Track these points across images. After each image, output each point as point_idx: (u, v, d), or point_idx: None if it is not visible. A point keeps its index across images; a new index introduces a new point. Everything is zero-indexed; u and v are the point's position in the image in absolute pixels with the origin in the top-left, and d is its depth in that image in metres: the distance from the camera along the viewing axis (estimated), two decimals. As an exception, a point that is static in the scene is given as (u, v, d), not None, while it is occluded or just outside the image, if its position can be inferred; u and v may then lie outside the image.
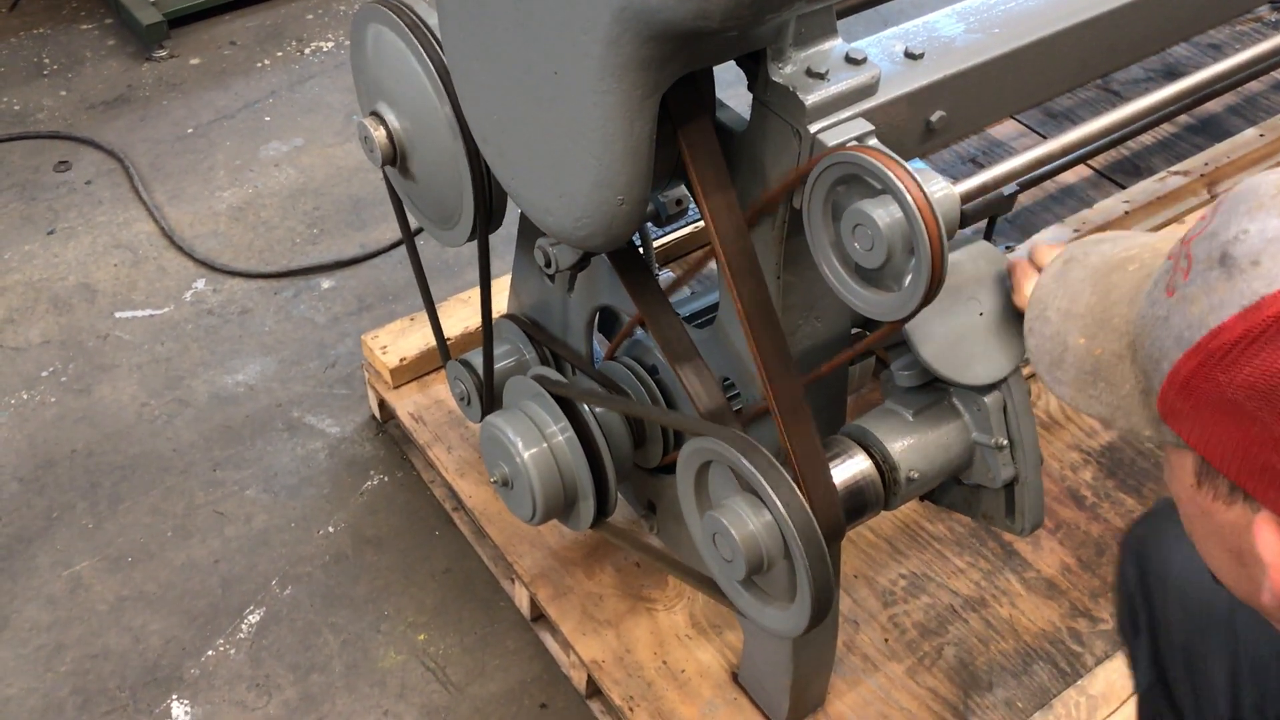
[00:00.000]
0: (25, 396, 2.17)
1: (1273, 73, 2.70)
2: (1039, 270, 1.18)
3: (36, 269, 2.42)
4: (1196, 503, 0.77)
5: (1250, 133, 2.54)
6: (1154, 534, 1.24)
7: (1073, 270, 0.94)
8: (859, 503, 1.27)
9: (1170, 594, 1.20)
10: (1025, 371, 1.98)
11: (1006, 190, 1.95)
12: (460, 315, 2.08)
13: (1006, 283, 1.23)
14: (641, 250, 1.69)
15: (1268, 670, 1.13)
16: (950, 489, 1.36)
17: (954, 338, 1.20)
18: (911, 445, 1.27)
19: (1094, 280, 0.91)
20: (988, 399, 1.25)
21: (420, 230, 2.00)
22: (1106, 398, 0.84)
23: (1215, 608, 1.15)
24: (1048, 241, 1.20)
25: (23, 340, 2.27)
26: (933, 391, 1.29)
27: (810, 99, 1.10)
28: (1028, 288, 1.18)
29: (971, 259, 1.22)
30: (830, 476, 1.23)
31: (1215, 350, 0.70)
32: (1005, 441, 1.25)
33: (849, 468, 1.27)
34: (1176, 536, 1.18)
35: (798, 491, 1.17)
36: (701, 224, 2.21)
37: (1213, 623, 1.16)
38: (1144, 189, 2.40)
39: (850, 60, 1.12)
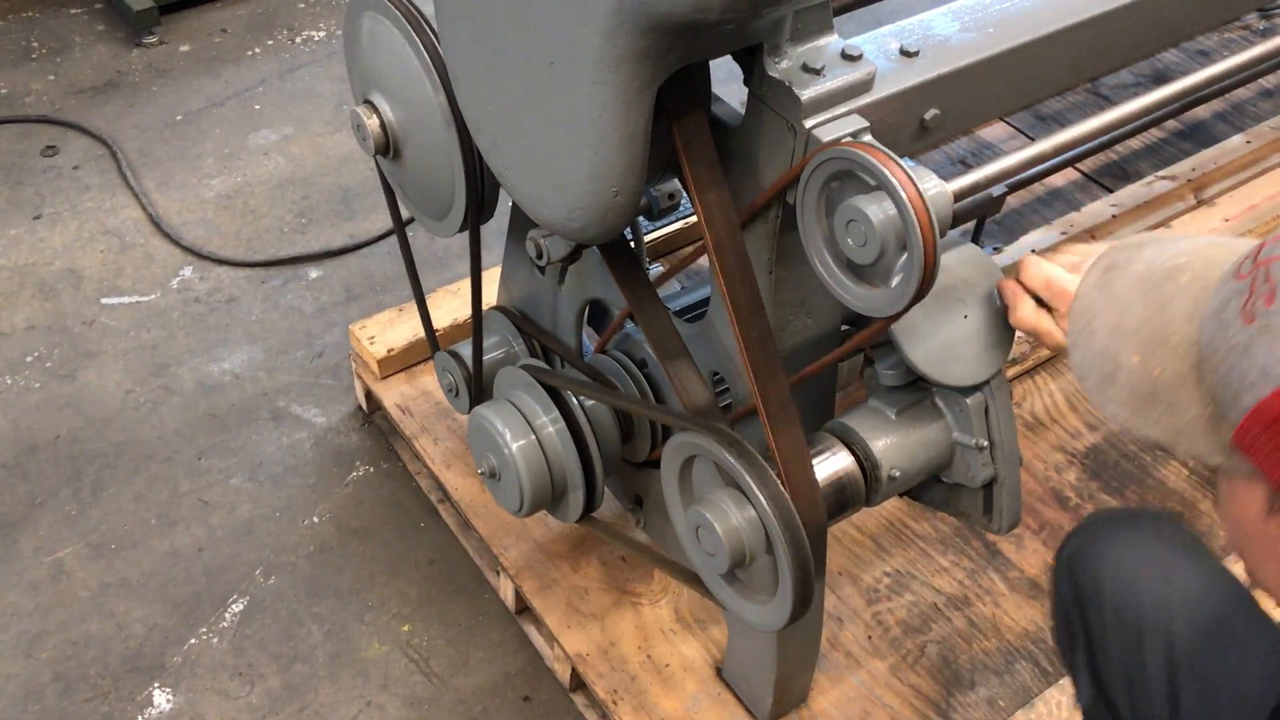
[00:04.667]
0: (9, 381, 2.16)
1: (1260, 80, 2.72)
2: (1026, 289, 1.17)
3: (22, 254, 2.41)
4: (1265, 531, 0.75)
5: (1237, 139, 2.56)
6: (1086, 549, 1.23)
7: (1117, 279, 0.88)
8: (841, 499, 1.28)
9: (1105, 608, 1.19)
10: (1007, 374, 1.99)
11: (995, 191, 1.96)
12: (449, 307, 2.07)
13: (995, 297, 1.23)
14: (633, 244, 1.69)
15: (1207, 688, 1.14)
16: (931, 487, 1.37)
17: (939, 339, 1.21)
18: (893, 443, 1.28)
19: (1144, 291, 0.85)
20: (970, 400, 1.26)
21: (411, 220, 1.99)
22: (1167, 421, 0.79)
23: (1151, 619, 1.15)
24: (1035, 252, 1.18)
25: (7, 325, 2.26)
26: (916, 391, 1.30)
27: (806, 94, 1.10)
28: (1022, 307, 1.17)
29: (959, 261, 1.23)
30: (813, 473, 1.24)
31: None
32: (986, 442, 1.26)
33: (832, 464, 1.27)
34: (1108, 551, 1.19)
35: (781, 487, 1.18)
36: (693, 219, 2.21)
37: (1149, 634, 1.15)
38: (1131, 193, 2.42)
39: (846, 57, 1.12)
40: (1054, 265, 1.15)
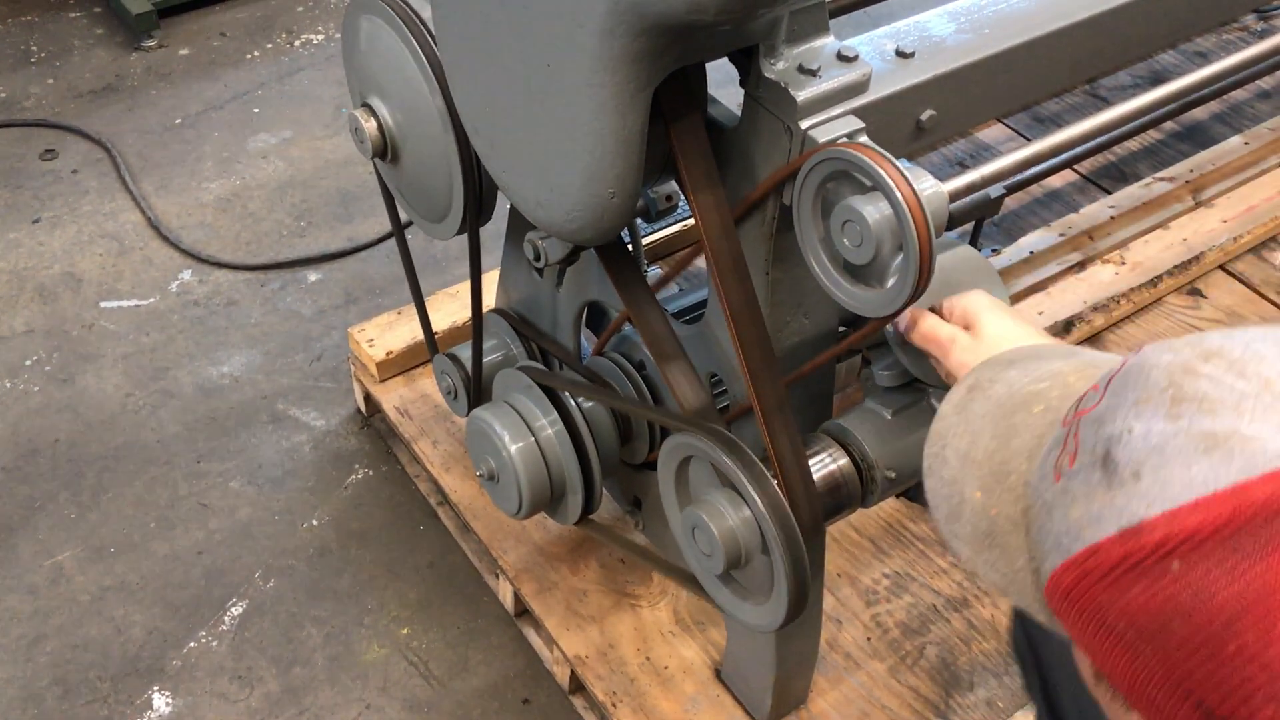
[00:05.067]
0: (8, 385, 2.16)
1: (1258, 81, 2.72)
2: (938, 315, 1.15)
3: (21, 257, 2.41)
4: (1099, 695, 0.69)
5: (1235, 140, 2.56)
6: None
7: (975, 403, 0.83)
8: (837, 500, 1.28)
9: (1054, 653, 1.18)
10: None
11: (993, 193, 1.96)
12: (448, 309, 2.07)
13: (998, 285, 1.23)
14: (631, 246, 1.69)
15: None
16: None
17: None
18: (889, 444, 1.28)
19: (995, 420, 0.80)
20: None
21: (410, 224, 2.00)
22: (1001, 567, 0.74)
23: None
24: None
25: (6, 329, 2.26)
26: (912, 392, 1.30)
27: (802, 95, 1.10)
28: (939, 329, 1.15)
29: (955, 262, 1.23)
30: (809, 473, 1.24)
31: (1093, 570, 0.63)
32: None
33: (828, 465, 1.28)
34: None
35: (777, 488, 1.18)
36: (691, 221, 2.21)
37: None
38: (1129, 194, 2.42)
39: (842, 58, 1.12)
40: (936, 322, 1.14)
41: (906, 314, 1.16)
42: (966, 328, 1.13)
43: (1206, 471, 0.59)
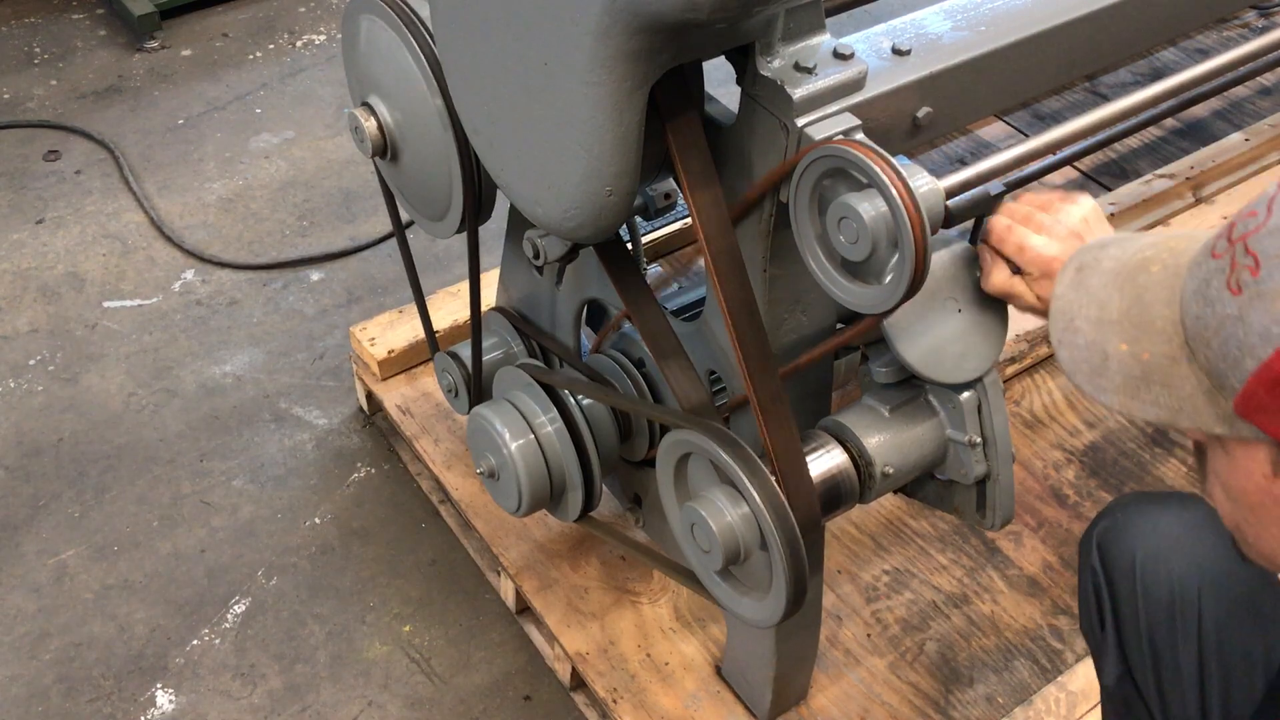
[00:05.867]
0: (12, 385, 2.17)
1: (1258, 78, 2.72)
2: (997, 253, 1.18)
3: (25, 258, 2.42)
4: (1270, 493, 0.78)
5: (1235, 137, 2.56)
6: (1118, 527, 1.24)
7: (1089, 277, 0.91)
8: (835, 496, 1.28)
9: (1136, 586, 1.20)
10: (1006, 372, 1.99)
11: (994, 190, 1.96)
12: (449, 308, 2.08)
13: (978, 273, 1.24)
14: (631, 245, 1.69)
15: (1234, 666, 1.15)
16: (925, 483, 1.37)
17: (932, 336, 1.21)
18: (887, 441, 1.28)
19: (1119, 285, 0.88)
20: (963, 397, 1.26)
21: (411, 223, 2.00)
22: (1165, 400, 0.82)
23: (1183, 600, 1.17)
24: (1000, 217, 1.20)
25: (10, 329, 2.27)
26: (909, 388, 1.30)
27: (798, 93, 1.11)
28: (997, 274, 1.18)
29: (952, 259, 1.24)
30: (807, 470, 1.25)
31: None
32: (979, 439, 1.27)
33: (825, 462, 1.28)
34: (1140, 530, 1.20)
35: (775, 484, 1.18)
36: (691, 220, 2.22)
37: (1180, 615, 1.17)
38: (1130, 191, 2.42)
39: (838, 55, 1.13)
40: (1025, 230, 1.16)
41: (983, 260, 1.20)
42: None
43: None
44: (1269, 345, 0.73)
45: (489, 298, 1.79)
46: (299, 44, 3.04)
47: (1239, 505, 0.83)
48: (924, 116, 1.21)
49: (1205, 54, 2.89)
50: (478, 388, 1.67)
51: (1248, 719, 1.13)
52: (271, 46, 3.03)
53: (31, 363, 2.21)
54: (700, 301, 1.60)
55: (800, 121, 1.11)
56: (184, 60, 2.97)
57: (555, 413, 1.49)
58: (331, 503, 2.00)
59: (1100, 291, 0.89)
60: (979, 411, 1.26)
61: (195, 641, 1.81)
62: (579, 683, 1.74)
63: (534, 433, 1.49)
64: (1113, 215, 2.36)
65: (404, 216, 1.62)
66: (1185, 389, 0.81)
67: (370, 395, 2.08)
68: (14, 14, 3.08)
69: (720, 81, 1.23)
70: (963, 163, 2.61)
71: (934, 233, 1.04)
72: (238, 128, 2.77)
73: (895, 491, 1.37)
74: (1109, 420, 2.07)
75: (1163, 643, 1.17)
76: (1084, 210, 1.16)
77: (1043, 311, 1.18)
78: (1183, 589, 1.16)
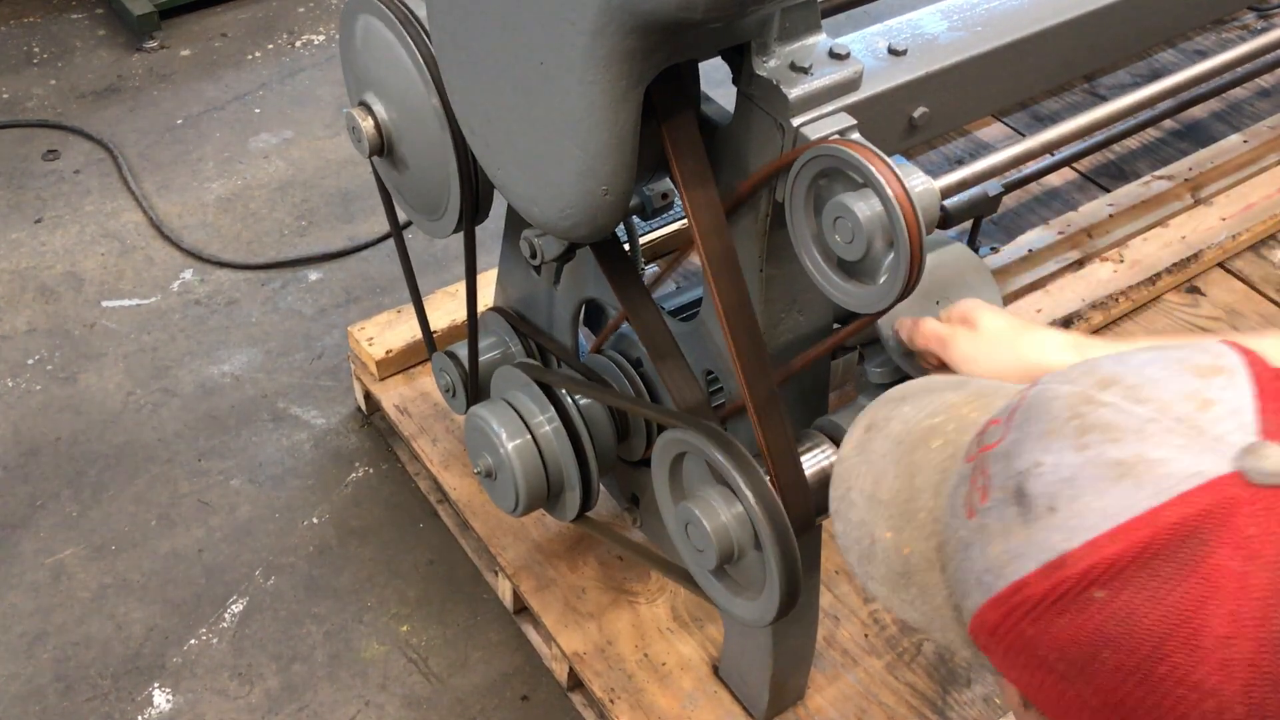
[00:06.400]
0: (10, 384, 2.17)
1: (1257, 79, 2.72)
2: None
3: (24, 257, 2.42)
4: None
5: (1234, 138, 2.56)
6: None
7: (874, 442, 0.82)
8: (828, 496, 1.28)
9: None
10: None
11: (991, 191, 1.97)
12: (447, 308, 2.08)
13: (990, 283, 1.24)
14: (628, 244, 1.69)
15: None
16: None
17: None
18: None
19: (897, 457, 0.79)
20: None
21: (409, 223, 2.00)
22: (920, 605, 0.74)
23: None
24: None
25: (9, 328, 2.27)
26: (905, 389, 1.30)
27: (794, 93, 1.11)
28: (940, 330, 1.15)
29: (947, 260, 1.24)
30: (801, 470, 1.25)
31: (1019, 605, 0.64)
32: None
33: (820, 461, 1.28)
34: None
35: (768, 484, 1.18)
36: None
37: None
38: (1128, 192, 2.42)
39: (834, 55, 1.13)
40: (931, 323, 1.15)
41: (906, 322, 1.17)
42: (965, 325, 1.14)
43: (1119, 499, 0.60)
44: (983, 593, 0.66)
45: (486, 298, 1.79)
46: (298, 44, 3.05)
47: None
48: (920, 117, 1.21)
49: (1204, 55, 2.88)
50: (475, 387, 1.67)
51: None
52: (270, 47, 3.03)
53: (30, 362, 2.21)
54: (697, 302, 1.60)
55: (796, 121, 1.11)
56: (183, 60, 2.97)
57: (553, 412, 1.49)
58: (329, 502, 2.00)
59: (879, 462, 0.80)
60: (975, 411, 1.26)
61: (193, 641, 1.81)
62: (576, 683, 1.74)
63: (531, 432, 1.49)
64: (1111, 216, 2.36)
65: (402, 216, 1.62)
66: (937, 599, 0.73)
67: (368, 395, 2.09)
68: (13, 14, 3.08)
69: (716, 81, 1.23)
70: (960, 163, 2.61)
71: (930, 232, 1.04)
72: (237, 128, 2.77)
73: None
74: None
75: None
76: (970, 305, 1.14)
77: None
78: None
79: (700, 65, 1.19)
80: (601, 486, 1.59)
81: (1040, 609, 0.63)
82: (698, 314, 1.39)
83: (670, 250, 2.31)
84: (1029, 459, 0.65)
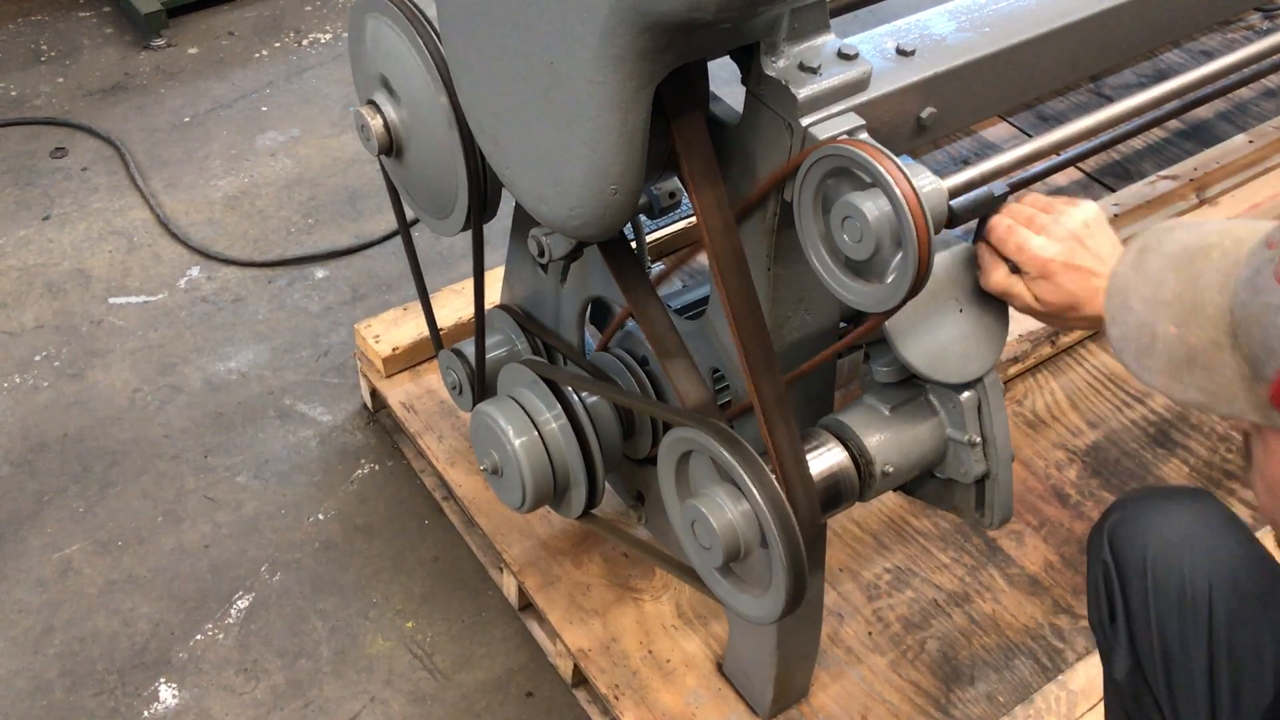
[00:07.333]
0: (18, 380, 2.18)
1: (1262, 80, 2.72)
2: (996, 252, 1.20)
3: (31, 254, 2.43)
4: None
5: (1240, 139, 2.57)
6: (1129, 521, 1.24)
7: (1150, 259, 0.93)
8: (834, 494, 1.29)
9: (1147, 580, 1.20)
10: (1008, 372, 1.99)
11: (997, 191, 1.97)
12: (454, 306, 2.09)
13: (976, 271, 1.24)
14: (635, 243, 1.70)
15: (1244, 665, 1.15)
16: (924, 482, 1.38)
17: (933, 336, 1.22)
18: (887, 440, 1.29)
19: (1176, 268, 0.90)
20: (963, 397, 1.27)
21: (416, 221, 2.01)
22: (1204, 384, 0.84)
23: (1194, 596, 1.17)
24: (1002, 217, 1.21)
25: (16, 325, 2.28)
26: (910, 388, 1.31)
27: (802, 93, 1.11)
28: (995, 272, 1.19)
29: (954, 260, 1.24)
30: (808, 468, 1.25)
31: None
32: (978, 439, 1.27)
33: (826, 460, 1.28)
34: (1151, 524, 1.20)
35: (775, 482, 1.19)
36: (695, 218, 2.23)
37: (1189, 608, 1.17)
38: (1133, 192, 2.42)
39: (842, 56, 1.13)
40: (1025, 230, 1.18)
41: (982, 259, 1.21)
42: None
43: None
44: None
45: (493, 295, 1.79)
46: (305, 42, 3.05)
47: (1275, 496, 0.84)
48: (928, 117, 1.21)
49: (1209, 56, 2.89)
50: (482, 385, 1.68)
51: (1258, 717, 1.13)
52: (278, 45, 3.04)
53: (37, 358, 2.22)
54: (703, 300, 1.60)
55: (805, 121, 1.12)
56: (190, 58, 2.98)
57: (559, 410, 1.50)
58: (335, 499, 2.01)
59: (1158, 273, 0.91)
60: (979, 411, 1.27)
61: (199, 636, 1.81)
62: (581, 679, 1.74)
63: (538, 429, 1.50)
64: (1116, 216, 2.36)
65: (409, 214, 1.62)
66: (1226, 375, 0.83)
67: (374, 392, 2.09)
68: (21, 11, 3.09)
69: (725, 81, 1.23)
70: (966, 163, 2.62)
71: (938, 232, 1.04)
72: (244, 125, 2.77)
73: (895, 490, 1.38)
74: (1111, 420, 2.08)
75: (1173, 638, 1.17)
76: (1086, 214, 1.18)
77: (1040, 312, 1.19)
78: (1194, 585, 1.17)
79: (709, 64, 1.20)
80: (607, 484, 1.60)
81: None
82: (704, 312, 1.40)
83: (676, 249, 2.31)
84: None
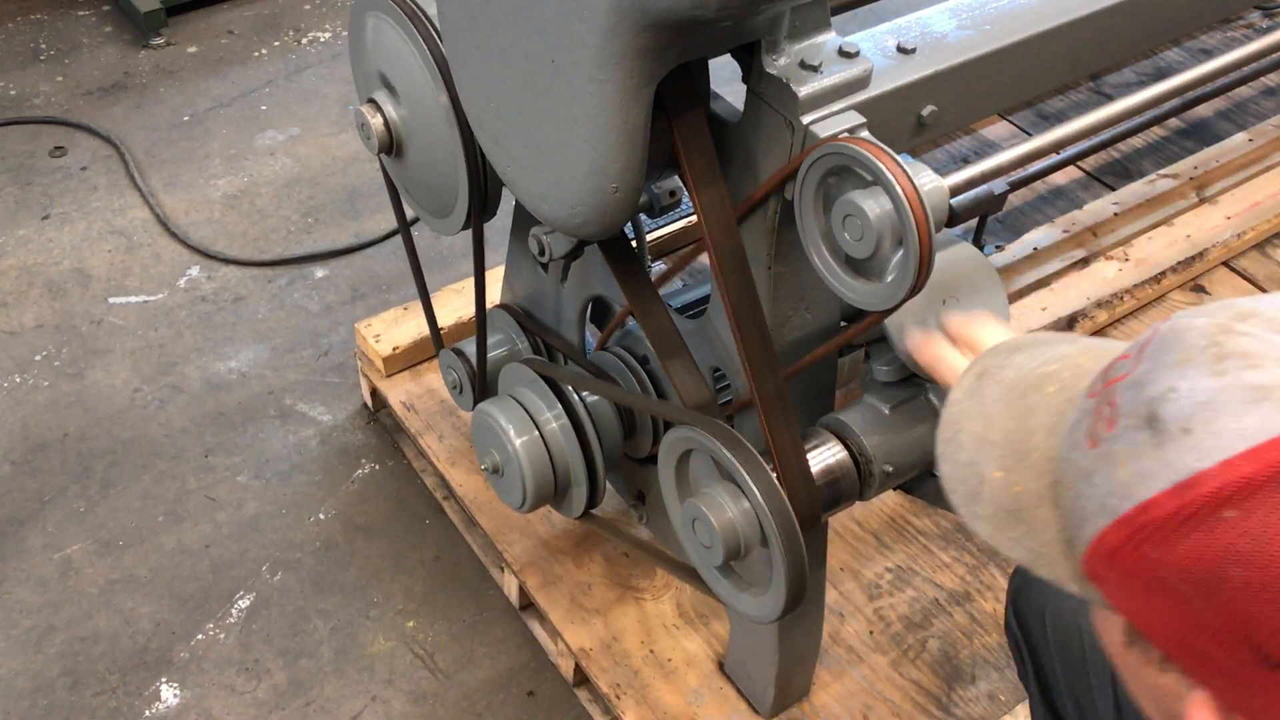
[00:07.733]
0: (18, 380, 2.18)
1: (1262, 78, 2.72)
2: (950, 339, 1.12)
3: (31, 253, 2.43)
4: (1127, 661, 0.72)
5: (1239, 137, 2.57)
6: (1026, 587, 1.25)
7: (986, 387, 0.84)
8: (835, 493, 1.29)
9: (1050, 644, 1.21)
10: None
11: (997, 189, 1.97)
12: (454, 305, 2.09)
13: (996, 283, 1.24)
14: (635, 242, 1.70)
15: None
16: (924, 481, 1.38)
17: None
18: (887, 439, 1.29)
19: (1009, 401, 0.81)
20: None
21: (416, 220, 2.01)
22: (1027, 542, 0.75)
23: (1094, 652, 1.17)
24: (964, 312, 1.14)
25: (16, 324, 2.28)
26: (910, 387, 1.31)
27: (803, 91, 1.11)
28: (945, 355, 1.12)
29: (954, 258, 1.24)
30: (808, 467, 1.25)
31: (1145, 526, 0.63)
32: None
33: (826, 459, 1.28)
34: (1044, 586, 1.20)
35: (775, 481, 1.19)
36: (695, 217, 2.22)
37: (1093, 668, 1.17)
38: (1133, 191, 2.42)
39: (843, 54, 1.13)
40: (945, 346, 1.12)
41: (916, 334, 1.15)
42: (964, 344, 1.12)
43: (1258, 421, 0.61)
44: (1105, 517, 0.66)
45: (494, 295, 1.79)
46: (304, 41, 3.05)
47: (1112, 661, 0.76)
48: (929, 115, 1.21)
49: (1209, 54, 2.89)
50: (482, 384, 1.68)
51: None
52: (277, 44, 3.04)
53: (37, 358, 2.22)
54: (704, 299, 1.60)
55: (805, 119, 1.12)
56: (190, 57, 2.97)
57: (560, 409, 1.50)
58: (336, 499, 2.01)
59: (991, 405, 0.81)
60: (980, 410, 1.27)
61: (200, 636, 1.81)
62: (582, 679, 1.74)
63: (539, 429, 1.50)
64: (1116, 215, 2.36)
65: (409, 213, 1.62)
66: (1046, 535, 0.73)
67: (375, 391, 2.09)
68: (20, 10, 3.09)
69: (725, 79, 1.23)
70: (966, 162, 2.61)
71: (939, 231, 1.04)
72: (243, 124, 2.77)
73: (895, 489, 1.38)
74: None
75: (1083, 694, 1.17)
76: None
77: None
78: (1092, 640, 1.14)
79: (710, 63, 1.19)
80: (608, 483, 1.60)
81: (1167, 529, 0.63)
82: (704, 311, 1.39)
83: (676, 248, 2.31)
84: (1162, 386, 0.65)
